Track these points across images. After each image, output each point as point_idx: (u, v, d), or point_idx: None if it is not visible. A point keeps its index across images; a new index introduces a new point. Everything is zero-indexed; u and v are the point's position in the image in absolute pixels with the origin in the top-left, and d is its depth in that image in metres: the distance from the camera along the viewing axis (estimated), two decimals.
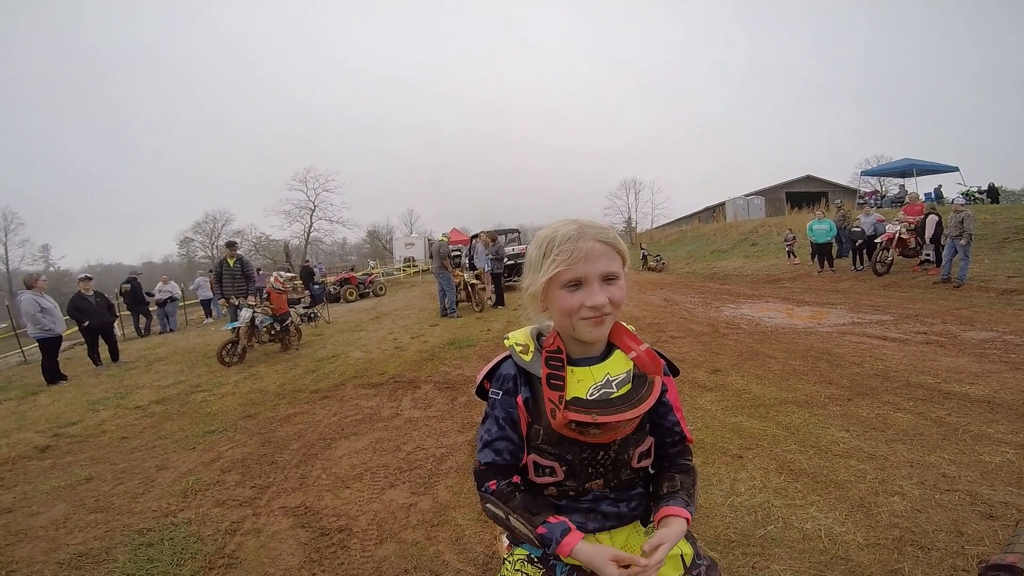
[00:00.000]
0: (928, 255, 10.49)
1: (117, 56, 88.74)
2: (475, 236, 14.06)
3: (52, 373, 7.60)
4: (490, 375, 1.07)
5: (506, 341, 1.05)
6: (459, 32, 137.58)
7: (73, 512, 3.08)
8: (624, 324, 1.04)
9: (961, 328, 5.85)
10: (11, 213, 42.52)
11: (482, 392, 1.08)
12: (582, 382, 0.96)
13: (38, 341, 7.72)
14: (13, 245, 42.32)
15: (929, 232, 10.39)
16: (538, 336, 1.05)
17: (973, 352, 4.78)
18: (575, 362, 0.99)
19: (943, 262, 9.60)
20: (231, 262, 8.50)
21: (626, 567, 0.87)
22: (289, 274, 9.15)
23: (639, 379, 0.98)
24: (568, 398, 0.94)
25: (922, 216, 10.73)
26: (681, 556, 1.02)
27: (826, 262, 13.03)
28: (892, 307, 7.66)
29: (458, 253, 16.12)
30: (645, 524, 1.05)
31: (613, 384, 0.96)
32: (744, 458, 2.95)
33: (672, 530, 0.94)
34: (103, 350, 8.88)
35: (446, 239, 11.89)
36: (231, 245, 8.99)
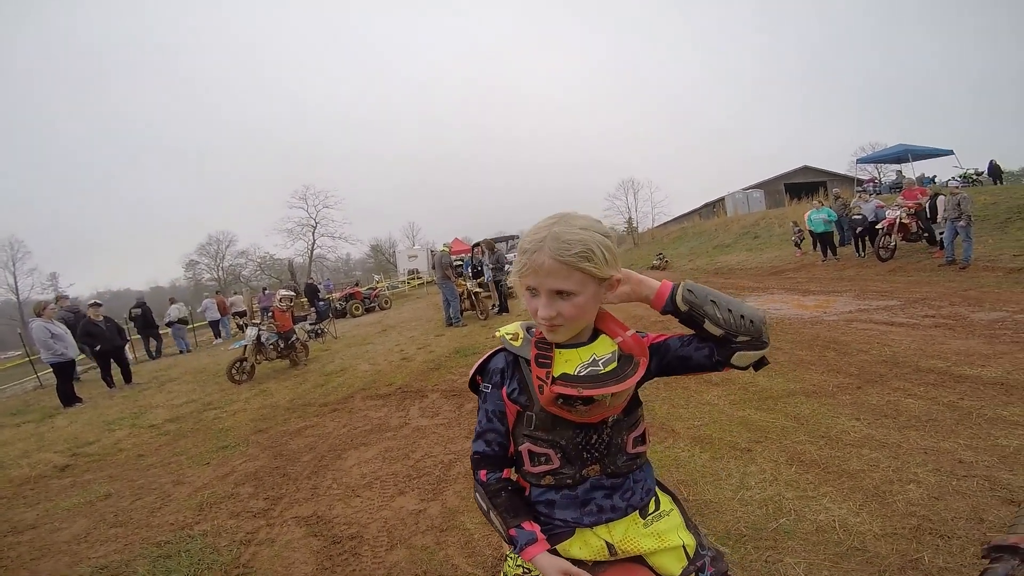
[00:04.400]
0: (943, 233, 10.34)
1: (116, 73, 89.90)
2: (476, 245, 14.10)
3: (68, 396, 7.70)
4: (482, 370, 1.12)
5: (496, 333, 1.11)
6: (448, 42, 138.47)
7: (94, 527, 3.15)
8: (610, 312, 1.08)
9: (970, 309, 5.80)
10: (17, 242, 42.84)
11: (475, 386, 1.13)
12: (569, 361, 0.99)
13: (52, 366, 7.84)
14: (22, 274, 42.60)
15: (941, 214, 10.29)
16: (528, 328, 1.09)
17: (983, 333, 4.73)
18: (562, 346, 1.02)
19: (945, 244, 9.53)
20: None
21: None
22: (289, 293, 9.20)
23: (624, 359, 1.00)
24: (556, 375, 0.97)
25: (927, 198, 10.68)
26: (683, 547, 1.01)
27: (829, 251, 12.98)
28: (899, 292, 7.62)
29: (460, 263, 16.18)
30: (644, 516, 1.04)
31: (600, 363, 0.99)
32: (753, 451, 2.93)
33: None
34: (116, 373, 8.98)
35: (447, 249, 11.95)
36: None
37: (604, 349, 1.02)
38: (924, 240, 10.90)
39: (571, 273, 0.92)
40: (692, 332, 1.05)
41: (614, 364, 0.99)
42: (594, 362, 0.99)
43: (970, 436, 2.79)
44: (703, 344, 1.02)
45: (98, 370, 9.23)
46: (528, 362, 1.01)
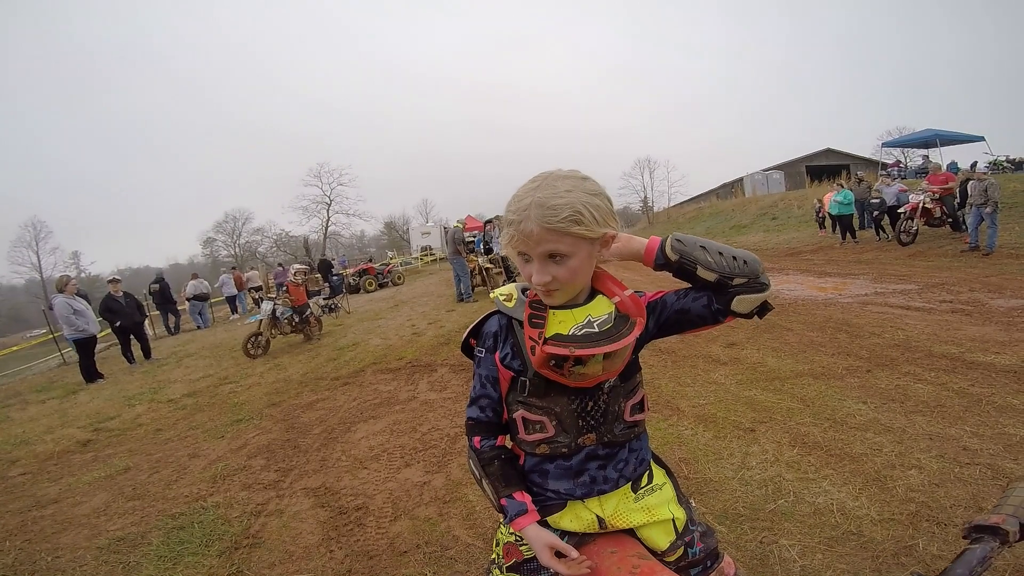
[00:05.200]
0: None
1: (124, 62, 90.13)
2: (489, 221, 14.06)
3: (90, 372, 7.93)
4: (476, 333, 1.09)
5: (491, 294, 1.08)
6: (460, 26, 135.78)
7: (113, 500, 3.26)
8: (608, 271, 1.04)
9: (989, 296, 5.66)
10: (39, 222, 44.00)
11: (469, 349, 1.11)
12: (563, 323, 0.96)
13: (74, 342, 8.05)
14: (45, 253, 43.84)
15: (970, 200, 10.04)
16: (523, 290, 1.06)
17: (1001, 320, 4.63)
18: (557, 307, 0.99)
19: (970, 230, 9.32)
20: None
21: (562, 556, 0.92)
22: (302, 267, 9.36)
23: (621, 318, 0.97)
24: (548, 335, 0.94)
25: (957, 183, 10.40)
26: (673, 521, 1.01)
27: (848, 234, 12.73)
28: (917, 276, 7.46)
29: (472, 239, 16.19)
30: (636, 490, 1.03)
31: (595, 324, 0.96)
32: (757, 431, 2.94)
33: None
34: (136, 348, 9.21)
35: (460, 225, 11.94)
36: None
37: (600, 310, 0.98)
38: (948, 226, 10.63)
39: (562, 237, 0.89)
40: (689, 287, 1.02)
41: (610, 325, 0.96)
42: (589, 323, 0.96)
43: (977, 423, 2.75)
44: (701, 294, 0.99)
45: (117, 346, 9.49)
46: (522, 324, 0.97)
